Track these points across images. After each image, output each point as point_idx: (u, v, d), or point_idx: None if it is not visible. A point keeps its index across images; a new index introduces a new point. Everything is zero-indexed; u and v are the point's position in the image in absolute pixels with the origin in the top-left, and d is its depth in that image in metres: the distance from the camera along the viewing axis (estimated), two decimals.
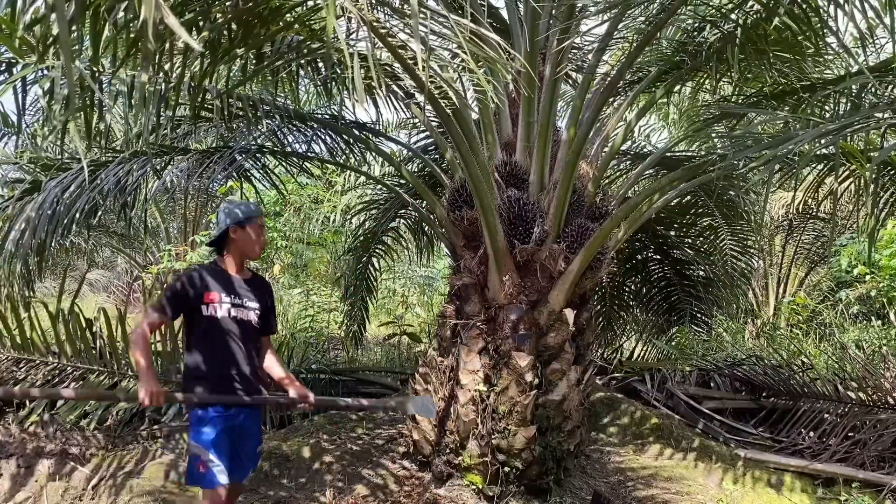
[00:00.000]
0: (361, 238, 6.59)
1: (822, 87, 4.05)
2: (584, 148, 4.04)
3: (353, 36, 2.79)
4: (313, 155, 4.85)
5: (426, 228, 6.61)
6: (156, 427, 4.64)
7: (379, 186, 6.83)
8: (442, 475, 3.94)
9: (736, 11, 3.84)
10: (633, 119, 4.79)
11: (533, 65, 3.88)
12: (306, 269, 9.49)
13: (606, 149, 4.67)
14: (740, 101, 4.81)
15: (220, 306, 2.72)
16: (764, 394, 5.96)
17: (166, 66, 3.10)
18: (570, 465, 4.11)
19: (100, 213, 4.03)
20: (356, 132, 4.81)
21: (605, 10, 3.85)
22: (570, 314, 3.98)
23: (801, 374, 5.87)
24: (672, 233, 6.29)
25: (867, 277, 8.66)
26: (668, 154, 5.51)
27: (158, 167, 4.00)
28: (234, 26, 2.71)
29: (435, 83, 2.97)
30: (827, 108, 4.24)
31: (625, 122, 4.75)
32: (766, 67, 3.99)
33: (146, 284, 9.17)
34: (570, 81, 5.79)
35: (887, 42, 5.52)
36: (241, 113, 4.15)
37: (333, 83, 4.60)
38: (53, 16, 1.55)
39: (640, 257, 6.42)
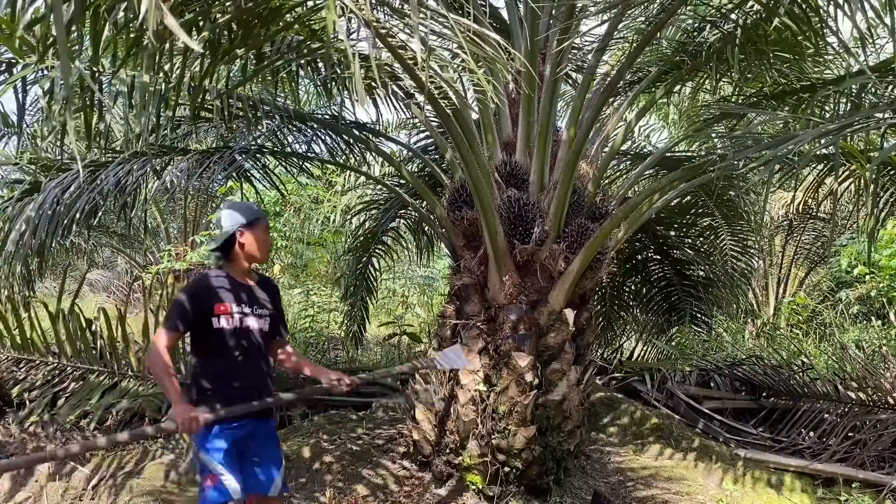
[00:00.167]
0: (361, 238, 6.58)
1: (822, 87, 4.05)
2: (584, 148, 4.03)
3: (354, 36, 2.79)
4: (313, 155, 4.84)
5: (426, 228, 6.61)
6: None
7: (379, 186, 6.83)
8: (442, 475, 3.94)
9: (736, 11, 3.84)
10: (633, 119, 4.79)
11: (533, 65, 3.88)
12: (306, 270, 9.49)
13: (606, 149, 4.67)
14: (740, 101, 4.81)
15: (232, 317, 2.61)
16: (764, 394, 5.96)
17: (166, 67, 3.10)
18: (570, 465, 4.11)
19: (100, 214, 4.02)
20: (356, 132, 4.80)
21: (605, 10, 3.84)
22: (570, 314, 3.98)
23: (801, 374, 5.87)
24: (672, 233, 6.29)
25: (867, 277, 8.67)
26: (668, 154, 5.51)
27: (158, 167, 3.99)
28: (234, 26, 2.71)
29: (435, 83, 2.97)
30: (827, 108, 4.24)
31: (625, 122, 4.75)
32: (766, 67, 3.99)
33: (146, 284, 9.16)
34: (570, 81, 5.79)
35: (887, 42, 5.52)
36: (241, 113, 4.14)
37: (333, 83, 4.60)
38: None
39: (640, 257, 6.42)
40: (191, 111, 4.01)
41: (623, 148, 6.07)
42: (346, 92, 4.66)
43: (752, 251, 6.42)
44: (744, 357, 6.67)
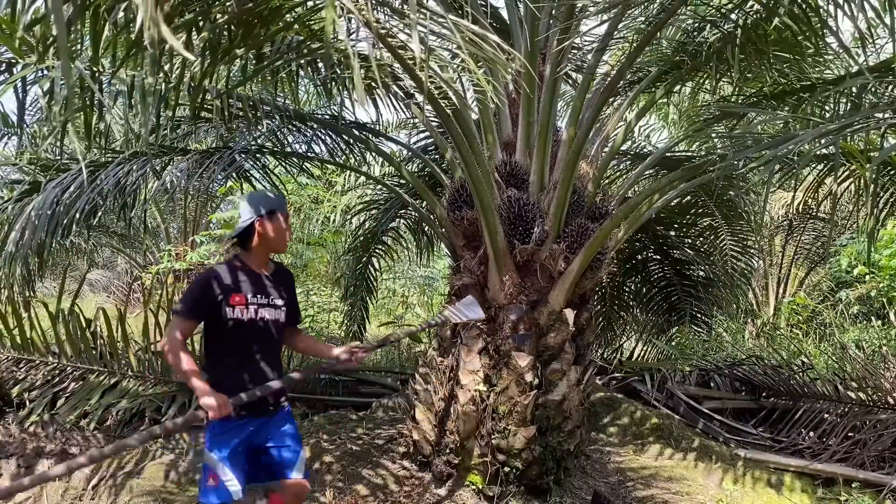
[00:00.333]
0: (361, 238, 6.59)
1: (822, 87, 4.05)
2: (584, 148, 4.03)
3: (353, 36, 2.79)
4: (313, 155, 4.84)
5: (426, 228, 6.61)
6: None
7: (379, 186, 6.83)
8: (442, 475, 3.94)
9: (736, 11, 3.83)
10: (633, 119, 4.79)
11: (533, 65, 3.88)
12: (306, 269, 9.49)
13: (606, 149, 4.67)
14: (740, 101, 4.81)
15: (248, 308, 2.56)
16: (764, 394, 5.96)
17: (166, 67, 3.10)
18: (570, 465, 4.11)
19: (100, 214, 4.02)
20: (356, 132, 4.81)
21: (605, 10, 3.84)
22: (570, 314, 3.98)
23: (801, 374, 5.87)
24: (672, 233, 6.29)
25: (867, 277, 8.66)
26: (668, 154, 5.51)
27: (158, 168, 3.99)
28: (234, 26, 2.70)
29: (435, 83, 2.97)
30: (827, 108, 4.24)
31: (625, 122, 4.75)
32: (766, 67, 3.99)
33: (146, 284, 9.17)
34: (570, 81, 5.80)
35: (887, 42, 5.52)
36: (240, 113, 4.14)
37: (333, 83, 4.60)
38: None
39: (640, 257, 6.42)
40: (191, 111, 4.01)
41: (623, 148, 6.07)
42: (346, 92, 4.65)
43: (752, 251, 6.42)
44: (744, 357, 6.67)
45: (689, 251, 6.22)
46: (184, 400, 4.85)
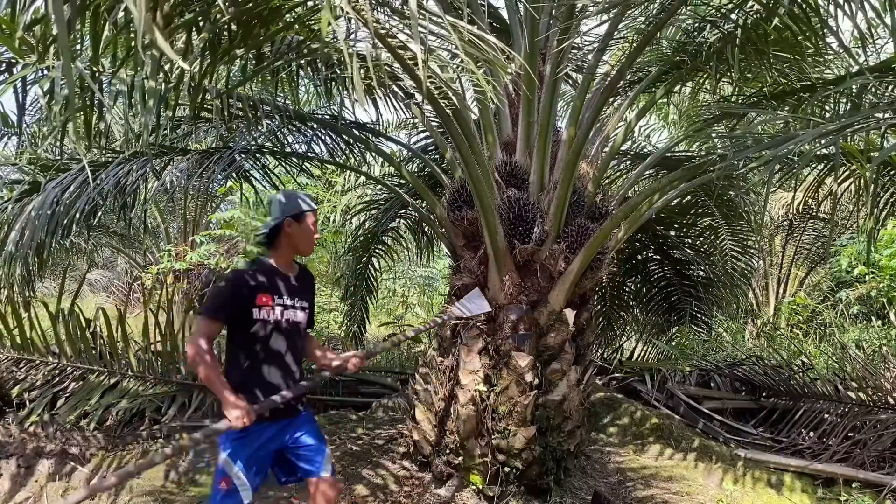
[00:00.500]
0: (361, 238, 6.59)
1: (822, 87, 4.05)
2: (584, 148, 4.03)
3: (353, 36, 2.79)
4: (313, 155, 4.85)
5: (426, 228, 6.61)
6: (155, 427, 4.64)
7: (379, 186, 6.83)
8: (442, 475, 3.94)
9: (736, 11, 3.84)
10: (633, 119, 4.79)
11: (533, 65, 3.88)
12: None
13: (606, 149, 4.67)
14: (740, 101, 4.81)
15: (273, 309, 2.54)
16: (764, 394, 5.96)
17: (166, 67, 3.09)
18: (570, 465, 4.11)
19: (100, 214, 4.03)
20: (356, 132, 4.81)
21: (605, 10, 3.84)
22: (570, 314, 3.98)
23: (801, 374, 5.87)
24: (672, 233, 6.29)
25: (867, 277, 8.67)
26: (668, 154, 5.51)
27: (158, 168, 3.99)
28: (233, 26, 2.70)
29: (434, 83, 2.97)
30: (827, 108, 4.24)
31: (625, 122, 4.75)
32: (766, 67, 3.99)
33: (146, 284, 9.16)
34: (570, 81, 5.80)
35: (887, 42, 5.52)
36: (240, 113, 4.14)
37: (333, 83, 4.60)
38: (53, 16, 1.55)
39: (640, 257, 6.42)
40: (191, 111, 4.01)
41: (623, 148, 6.07)
42: (345, 92, 4.66)
43: (752, 251, 6.42)
44: (744, 357, 6.67)
45: (689, 251, 6.23)
46: (183, 400, 4.85)
